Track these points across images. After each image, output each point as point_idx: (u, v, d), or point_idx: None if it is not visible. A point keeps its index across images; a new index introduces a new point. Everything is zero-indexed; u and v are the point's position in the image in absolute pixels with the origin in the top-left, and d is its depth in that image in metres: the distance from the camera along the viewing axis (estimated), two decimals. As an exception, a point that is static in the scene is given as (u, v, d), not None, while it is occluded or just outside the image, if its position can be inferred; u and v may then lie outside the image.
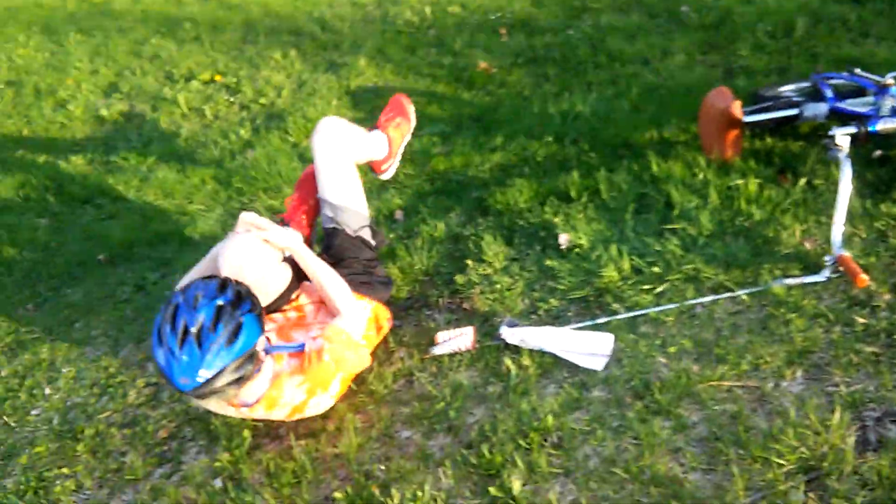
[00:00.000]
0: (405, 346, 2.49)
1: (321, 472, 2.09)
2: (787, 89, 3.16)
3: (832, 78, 3.03)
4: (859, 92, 2.93)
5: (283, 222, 2.56)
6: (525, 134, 3.62)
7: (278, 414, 2.11)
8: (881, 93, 2.75)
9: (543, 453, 1.99)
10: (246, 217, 2.23)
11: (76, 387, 2.61)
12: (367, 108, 4.28)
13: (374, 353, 2.36)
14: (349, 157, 2.50)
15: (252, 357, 1.92)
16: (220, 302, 1.89)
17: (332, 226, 2.46)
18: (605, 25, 4.42)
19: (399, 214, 3.29)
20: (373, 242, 2.53)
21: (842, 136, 2.52)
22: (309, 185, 2.60)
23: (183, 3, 6.70)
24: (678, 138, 3.26)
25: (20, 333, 2.98)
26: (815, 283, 2.35)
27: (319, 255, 2.39)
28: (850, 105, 2.80)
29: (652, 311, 2.39)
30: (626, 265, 2.58)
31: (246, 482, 2.08)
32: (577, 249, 2.74)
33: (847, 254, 2.30)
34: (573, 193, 3.04)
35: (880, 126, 2.55)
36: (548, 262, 2.71)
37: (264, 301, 2.14)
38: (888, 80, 2.77)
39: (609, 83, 3.90)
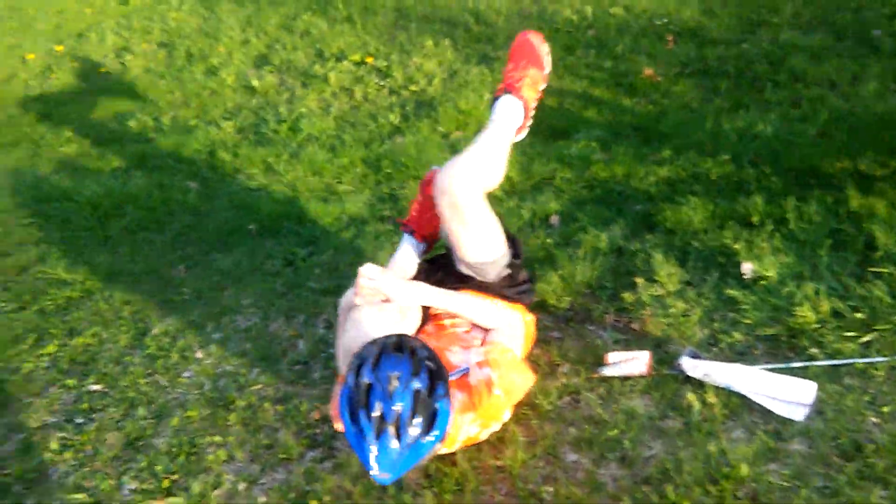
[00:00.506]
0: (569, 362, 2.33)
1: (483, 483, 1.95)
2: None
3: None
4: None
5: (407, 228, 2.39)
6: (695, 149, 3.39)
7: (453, 447, 1.97)
8: None
9: (736, 505, 1.79)
10: (365, 274, 2.04)
11: (227, 355, 2.57)
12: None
13: (530, 364, 2.21)
14: (481, 202, 2.13)
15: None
16: (416, 386, 1.70)
17: (468, 272, 2.22)
18: (784, 42, 4.13)
19: (555, 219, 3.13)
20: (516, 269, 2.27)
21: None
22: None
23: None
24: (875, 172, 2.97)
25: (171, 294, 2.98)
26: None
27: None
28: None
29: (858, 362, 2.14)
30: (824, 307, 2.33)
31: (405, 481, 1.96)
32: (763, 281, 2.51)
33: None
34: (755, 219, 2.80)
35: None
36: (729, 292, 2.49)
37: None
38: None
39: (790, 104, 3.62)
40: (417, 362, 1.73)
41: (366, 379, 1.68)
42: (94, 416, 2.35)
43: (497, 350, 1.99)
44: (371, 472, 1.64)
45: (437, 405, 1.71)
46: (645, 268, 2.68)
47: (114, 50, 6.08)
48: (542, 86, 2.36)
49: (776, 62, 4.00)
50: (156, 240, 3.41)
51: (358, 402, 1.66)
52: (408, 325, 2.06)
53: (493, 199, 3.24)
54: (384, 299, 2.03)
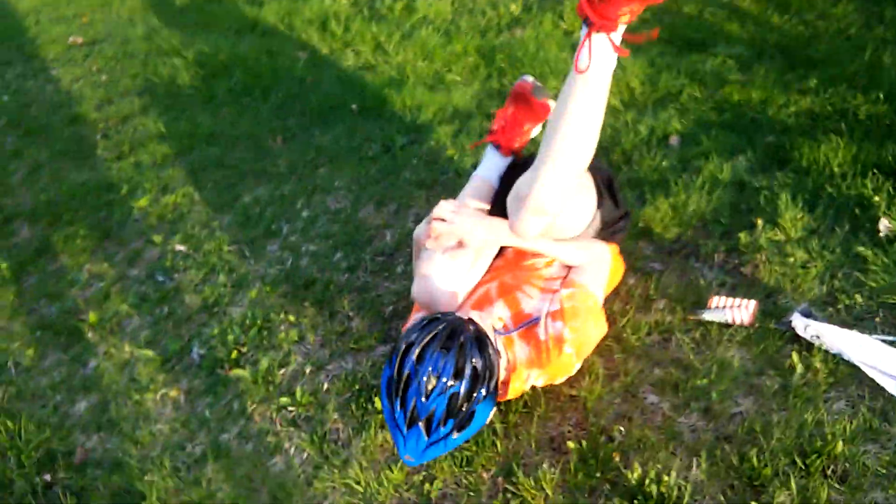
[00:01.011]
0: (667, 298, 2.16)
1: (553, 410, 1.86)
2: None
3: None
4: None
5: (495, 145, 2.15)
6: (847, 82, 3.00)
7: (518, 395, 1.86)
8: None
9: (825, 484, 1.63)
10: (440, 215, 1.83)
11: (312, 235, 2.53)
12: (655, 8, 3.77)
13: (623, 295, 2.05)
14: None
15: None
16: (454, 391, 1.61)
17: None
18: (976, -30, 3.55)
19: (675, 140, 2.87)
20: (613, 214, 2.02)
21: None
22: (526, 101, 2.11)
23: None
24: None
25: (266, 164, 2.94)
26: None
27: None
28: None
29: None
30: (967, 281, 2.05)
31: (472, 393, 1.89)
32: (900, 242, 2.23)
33: None
34: (904, 171, 2.48)
35: None
36: (858, 249, 2.22)
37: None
38: None
39: (968, 45, 3.14)
40: (463, 362, 1.62)
41: (406, 370, 1.61)
42: (175, 275, 2.37)
43: (579, 296, 1.81)
44: (401, 454, 1.62)
45: (474, 408, 1.63)
46: (768, 208, 2.43)
47: None
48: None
49: (960, -7, 3.46)
50: (259, 106, 3.36)
51: (395, 391, 1.62)
52: (481, 267, 1.90)
53: (609, 111, 3.01)
54: (458, 244, 1.84)
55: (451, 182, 2.73)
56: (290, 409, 1.89)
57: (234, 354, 2.04)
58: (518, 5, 3.98)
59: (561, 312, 1.77)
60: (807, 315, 2.00)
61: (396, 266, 2.35)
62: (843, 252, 2.24)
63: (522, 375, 1.78)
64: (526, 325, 1.81)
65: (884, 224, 2.31)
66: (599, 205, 1.96)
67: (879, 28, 3.39)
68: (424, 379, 1.59)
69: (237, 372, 1.98)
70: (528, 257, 1.97)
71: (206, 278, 2.36)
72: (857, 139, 2.68)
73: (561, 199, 1.69)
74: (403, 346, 1.64)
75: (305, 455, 1.80)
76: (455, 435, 1.62)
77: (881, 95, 2.89)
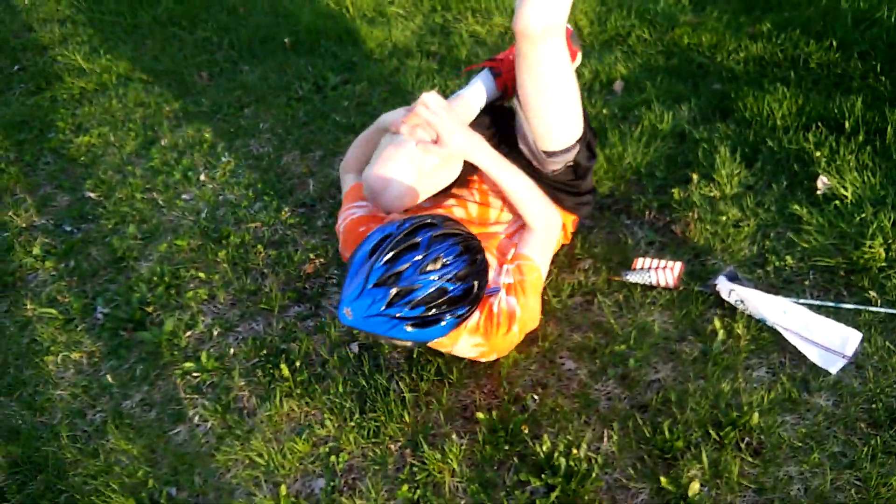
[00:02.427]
0: (593, 258, 2.09)
1: (466, 378, 1.80)
2: None
3: None
4: None
5: (495, 69, 2.04)
6: (800, 27, 2.89)
7: (442, 349, 1.77)
8: None
9: (737, 457, 1.60)
10: (426, 104, 1.71)
11: (231, 182, 2.40)
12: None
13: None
14: (564, 53, 1.71)
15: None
16: (447, 287, 1.52)
17: (527, 156, 1.87)
18: None
19: (618, 86, 2.76)
20: (583, 173, 1.93)
21: None
22: None
23: None
24: None
25: (188, 103, 2.77)
26: None
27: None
28: None
29: (918, 316, 1.86)
30: (898, 245, 2.01)
31: (384, 359, 1.83)
32: (836, 202, 2.17)
33: None
34: (847, 125, 2.40)
35: None
36: (794, 207, 2.17)
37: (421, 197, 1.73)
38: None
39: (929, -10, 3.02)
40: (470, 274, 1.54)
41: (420, 238, 1.51)
42: (83, 225, 2.25)
43: (526, 269, 1.73)
44: (341, 305, 1.50)
45: (444, 318, 1.53)
46: (705, 161, 2.35)
47: None
48: None
49: (925, -68, 3.32)
50: (185, 38, 3.16)
51: (391, 247, 1.50)
52: (442, 178, 1.77)
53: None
54: (433, 139, 1.72)
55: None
56: (194, 374, 1.81)
57: (138, 315, 1.94)
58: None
59: (514, 287, 1.71)
60: (732, 278, 1.95)
61: (317, 219, 2.25)
62: (778, 210, 2.19)
63: (458, 337, 1.70)
64: (488, 292, 1.73)
65: (822, 181, 2.25)
66: (583, 139, 1.86)
67: (841, -32, 3.27)
68: (430, 258, 1.50)
69: (141, 334, 1.88)
70: (490, 223, 1.88)
71: (116, 229, 2.23)
72: (805, 89, 2.59)
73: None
74: (429, 219, 1.55)
75: (209, 424, 1.73)
76: (408, 327, 1.52)
77: (834, 43, 2.79)
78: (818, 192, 2.22)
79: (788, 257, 2.04)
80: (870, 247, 2.00)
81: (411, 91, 2.74)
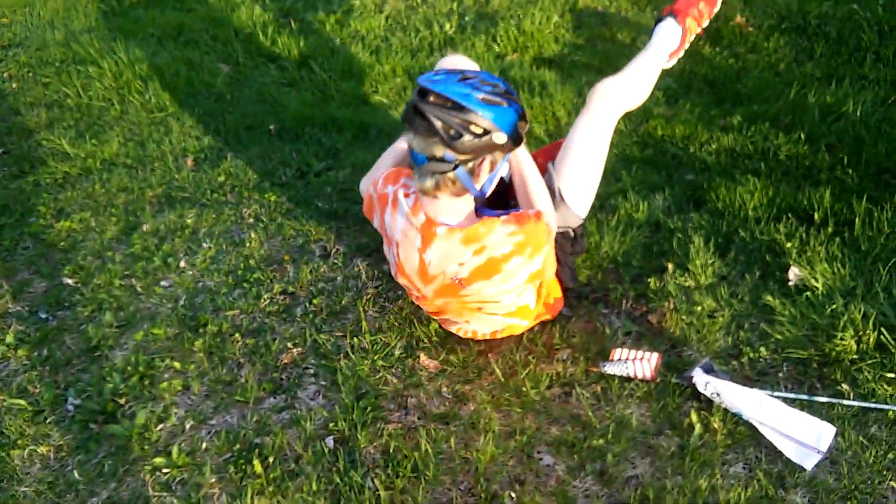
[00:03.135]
0: (571, 348, 2.10)
1: (444, 474, 1.78)
2: None
3: None
4: None
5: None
6: (770, 120, 3.00)
7: (473, 263, 1.83)
8: None
9: (714, 558, 1.58)
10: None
11: (212, 269, 2.41)
12: (588, 34, 3.73)
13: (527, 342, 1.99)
14: (611, 125, 2.23)
15: (490, 148, 1.78)
16: (510, 93, 1.82)
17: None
18: (902, 10, 3.58)
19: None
20: (575, 246, 2.23)
21: None
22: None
23: None
24: (971, 186, 2.57)
25: (172, 188, 2.80)
26: None
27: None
28: None
29: (891, 409, 1.87)
30: (869, 337, 2.03)
31: (360, 454, 1.80)
32: (808, 293, 2.20)
33: None
34: (817, 216, 2.46)
35: None
36: (767, 298, 2.20)
37: None
38: None
39: (890, 86, 3.15)
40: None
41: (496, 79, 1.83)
42: (59, 312, 2.24)
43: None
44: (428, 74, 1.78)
45: (508, 104, 1.79)
46: (680, 251, 2.40)
47: None
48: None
49: (886, 32, 3.47)
50: (172, 124, 3.22)
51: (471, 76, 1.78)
52: None
53: (533, 141, 2.95)
54: None
55: (362, 216, 2.63)
56: (164, 470, 1.77)
57: (111, 406, 1.91)
58: (453, 25, 3.91)
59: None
60: (708, 370, 1.96)
61: (297, 307, 2.25)
62: (752, 301, 2.22)
63: (494, 227, 1.82)
64: (507, 213, 1.88)
65: (794, 272, 2.29)
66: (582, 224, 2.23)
67: (808, 65, 3.40)
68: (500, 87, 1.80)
69: (111, 427, 1.85)
70: None
71: (92, 316, 2.23)
72: (775, 181, 2.67)
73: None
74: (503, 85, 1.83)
75: (177, 523, 1.69)
76: (478, 96, 1.73)
77: (802, 135, 2.89)
78: (790, 283, 2.26)
79: (762, 349, 2.07)
80: (841, 339, 2.03)
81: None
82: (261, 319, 2.21)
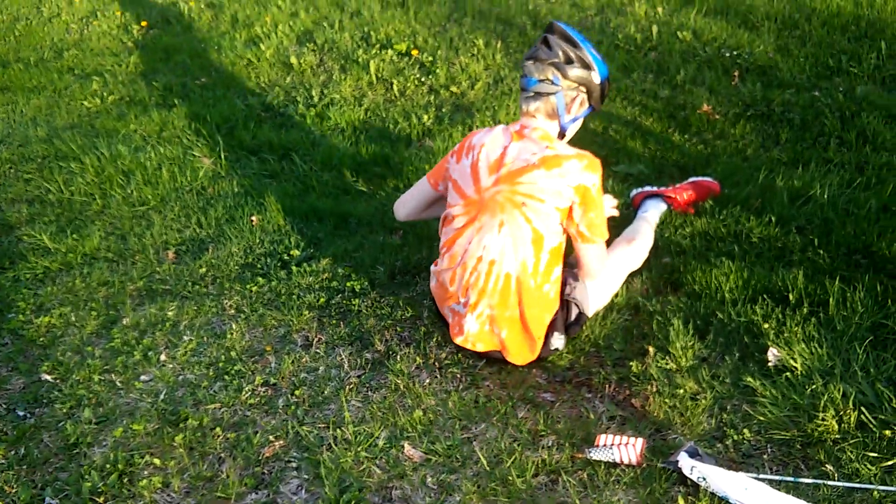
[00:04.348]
0: (556, 434, 2.09)
1: (429, 570, 1.74)
2: None
3: None
4: None
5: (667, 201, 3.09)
6: (741, 204, 3.09)
7: (544, 153, 2.18)
8: None
9: None
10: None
11: (192, 361, 2.39)
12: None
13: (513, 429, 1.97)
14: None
15: (586, 83, 2.23)
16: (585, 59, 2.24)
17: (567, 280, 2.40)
18: (860, 97, 3.76)
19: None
20: (575, 324, 2.39)
21: None
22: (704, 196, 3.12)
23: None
24: (937, 264, 2.65)
25: (153, 281, 2.81)
26: None
27: None
28: None
29: (876, 489, 1.86)
30: (850, 416, 2.05)
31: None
32: (787, 373, 2.23)
33: None
34: (792, 297, 2.51)
35: None
36: (748, 379, 2.22)
37: None
38: None
39: (855, 168, 3.28)
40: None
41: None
42: (37, 409, 2.19)
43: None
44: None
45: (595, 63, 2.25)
46: (660, 334, 2.42)
47: (161, 4, 5.95)
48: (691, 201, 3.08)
49: (847, 117, 3.64)
50: (154, 217, 3.25)
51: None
52: None
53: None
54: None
55: (343, 304, 2.65)
56: (142, 572, 1.72)
57: (87, 507, 1.86)
58: (430, 116, 4.03)
59: None
60: (693, 454, 1.95)
61: (278, 398, 2.23)
62: (733, 383, 2.24)
63: (567, 151, 2.22)
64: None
65: (772, 353, 2.32)
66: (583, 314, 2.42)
67: (775, 150, 3.53)
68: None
69: (86, 530, 1.80)
70: None
71: (71, 413, 2.19)
72: (749, 263, 2.73)
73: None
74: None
75: None
76: (588, 47, 2.24)
77: (773, 218, 2.97)
78: (769, 364, 2.28)
79: (746, 430, 2.07)
80: (823, 419, 2.04)
81: (372, 267, 2.82)
82: (242, 412, 2.18)
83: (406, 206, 2.56)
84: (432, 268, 2.39)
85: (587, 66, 2.22)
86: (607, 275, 2.49)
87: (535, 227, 2.18)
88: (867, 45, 4.27)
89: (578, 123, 2.38)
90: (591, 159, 2.21)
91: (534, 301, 2.24)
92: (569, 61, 2.19)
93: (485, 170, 2.24)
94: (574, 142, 2.49)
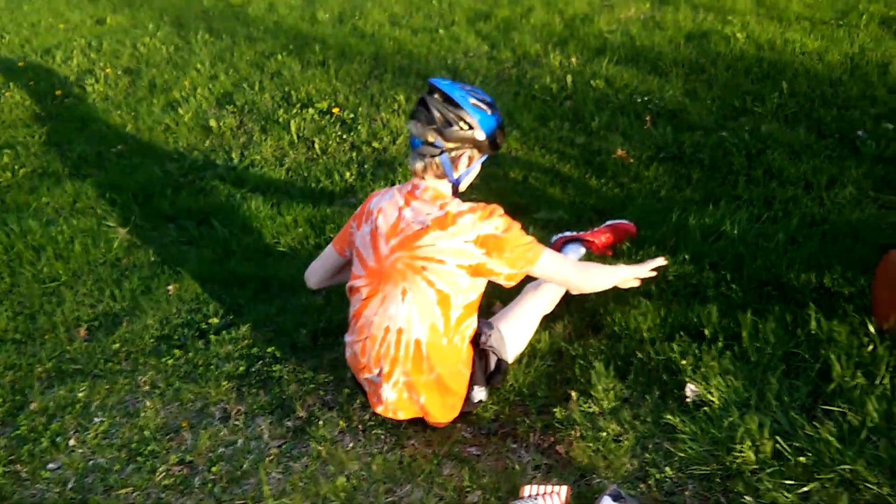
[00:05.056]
0: (481, 489, 2.07)
1: None
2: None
3: None
4: None
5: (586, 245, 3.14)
6: (657, 244, 3.16)
7: (436, 214, 2.16)
8: None
9: None
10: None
11: (104, 444, 2.29)
12: (482, 175, 3.88)
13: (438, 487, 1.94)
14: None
15: (470, 141, 2.22)
16: (492, 104, 2.30)
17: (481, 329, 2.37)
18: (765, 135, 3.92)
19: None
20: (496, 373, 2.37)
21: None
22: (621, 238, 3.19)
23: (318, 21, 6.59)
24: (842, 290, 2.74)
25: (63, 361, 2.70)
26: None
27: None
28: None
29: (795, 518, 1.89)
30: (766, 446, 2.08)
31: None
32: (705, 408, 2.26)
33: None
34: (708, 332, 2.56)
35: None
36: (667, 417, 2.24)
37: None
38: None
39: (763, 203, 3.40)
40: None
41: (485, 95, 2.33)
42: (-67, 510, 2.07)
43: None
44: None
45: (493, 113, 2.28)
46: (583, 378, 2.44)
47: (77, 72, 5.88)
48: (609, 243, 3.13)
49: (753, 155, 3.79)
50: (65, 293, 3.15)
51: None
52: None
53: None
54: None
55: (264, 371, 2.59)
56: None
57: None
58: (353, 173, 4.04)
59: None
60: (616, 497, 1.95)
61: (195, 477, 2.15)
62: (654, 421, 2.25)
63: (459, 209, 2.20)
64: None
65: (690, 389, 2.35)
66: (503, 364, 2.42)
67: (687, 190, 3.63)
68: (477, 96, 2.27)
69: None
70: None
71: (-30, 511, 2.07)
72: (666, 301, 2.78)
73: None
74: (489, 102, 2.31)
75: None
76: (471, 100, 2.21)
77: (687, 256, 3.04)
78: (688, 400, 2.31)
79: (668, 468, 2.08)
80: (740, 451, 2.07)
81: (295, 330, 2.78)
82: (156, 495, 2.09)
83: (315, 274, 2.53)
84: (345, 338, 2.34)
85: (469, 127, 2.21)
86: (520, 319, 2.50)
87: (439, 288, 2.15)
88: (770, 85, 4.48)
89: (472, 175, 2.38)
90: (483, 209, 2.20)
91: (448, 359, 2.21)
92: (448, 124, 2.19)
93: (382, 237, 2.21)
94: (494, 192, 2.53)
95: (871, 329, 2.47)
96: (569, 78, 4.88)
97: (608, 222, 3.24)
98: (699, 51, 5.06)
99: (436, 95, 2.20)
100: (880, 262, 2.51)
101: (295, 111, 4.79)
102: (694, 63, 4.88)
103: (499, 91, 4.86)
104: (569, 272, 2.34)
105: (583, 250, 3.07)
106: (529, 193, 3.73)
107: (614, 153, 3.96)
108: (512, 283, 2.24)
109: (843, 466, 2.01)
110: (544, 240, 3.17)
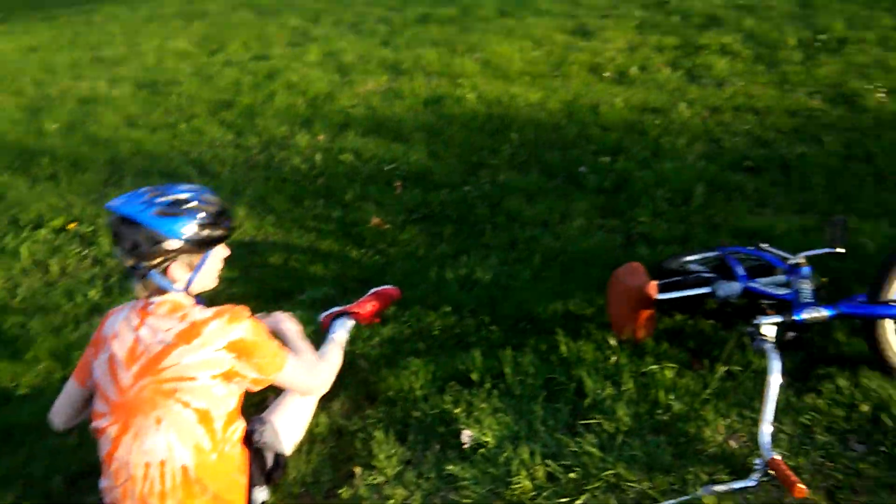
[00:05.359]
0: None
1: None
2: (691, 260, 3.02)
3: (739, 252, 2.89)
4: (767, 269, 2.80)
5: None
6: (419, 302, 3.27)
7: (177, 328, 2.00)
8: (793, 273, 2.61)
9: None
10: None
11: None
12: (242, 265, 3.82)
13: None
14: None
15: (167, 252, 2.00)
16: (199, 201, 2.07)
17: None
18: (503, 183, 4.25)
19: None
20: (276, 468, 2.26)
21: (767, 326, 2.32)
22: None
23: (44, 133, 6.17)
24: (584, 312, 3.01)
25: None
26: (746, 488, 2.06)
27: None
28: (765, 285, 2.64)
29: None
30: (539, 471, 2.21)
31: None
32: (482, 449, 2.35)
33: (778, 457, 2.03)
34: (475, 376, 2.68)
35: (806, 315, 2.38)
36: (449, 467, 2.30)
37: None
38: (799, 259, 2.65)
39: (508, 246, 3.65)
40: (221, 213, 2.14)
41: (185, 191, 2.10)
42: None
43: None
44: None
45: (186, 214, 2.03)
46: (364, 451, 2.43)
47: None
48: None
49: (495, 204, 4.07)
50: None
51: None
52: None
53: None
54: None
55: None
56: None
57: None
58: (98, 290, 3.77)
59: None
60: (409, 565, 1.95)
61: None
62: (437, 475, 2.30)
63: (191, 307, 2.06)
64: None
65: (466, 434, 2.43)
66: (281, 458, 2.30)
67: (441, 246, 3.79)
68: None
69: None
70: None
71: None
72: (434, 355, 2.87)
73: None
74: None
75: None
76: (154, 213, 1.98)
77: (448, 308, 3.17)
78: (465, 446, 2.39)
79: (455, 519, 2.12)
80: (517, 482, 2.16)
81: (47, 478, 2.49)
82: None
83: (60, 413, 2.24)
84: (100, 484, 2.06)
85: (155, 241, 1.99)
86: (293, 407, 2.42)
87: (196, 407, 1.98)
88: (501, 137, 4.88)
89: (206, 273, 2.15)
90: (231, 312, 2.06)
91: (221, 474, 2.04)
92: (136, 246, 1.98)
93: (121, 366, 2.00)
94: (255, 280, 2.47)
95: (612, 342, 2.73)
96: (318, 156, 4.97)
97: (372, 290, 3.28)
98: (436, 115, 5.40)
99: (115, 221, 2.01)
100: (610, 281, 2.80)
101: (25, 234, 4.39)
102: (433, 126, 5.19)
103: (249, 177, 4.82)
104: (307, 380, 2.28)
105: (351, 323, 3.08)
106: (292, 276, 3.71)
107: (370, 222, 4.07)
108: (257, 388, 2.12)
109: (606, 472, 2.18)
110: (311, 319, 3.15)
